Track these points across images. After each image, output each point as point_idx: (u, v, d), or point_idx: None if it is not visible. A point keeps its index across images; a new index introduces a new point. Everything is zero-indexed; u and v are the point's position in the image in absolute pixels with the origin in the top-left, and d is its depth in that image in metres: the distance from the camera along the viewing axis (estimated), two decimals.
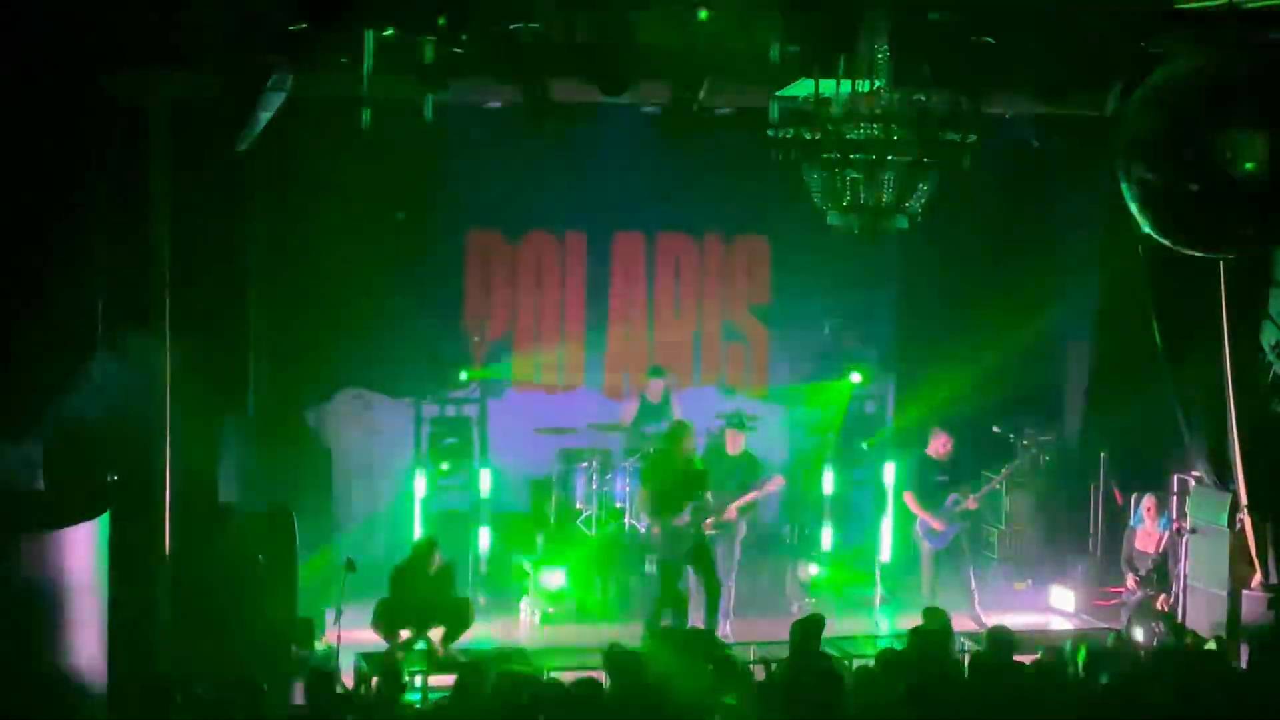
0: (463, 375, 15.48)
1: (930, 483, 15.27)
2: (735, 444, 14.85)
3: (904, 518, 15.57)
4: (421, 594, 13.13)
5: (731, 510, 14.33)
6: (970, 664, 10.50)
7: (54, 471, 11.37)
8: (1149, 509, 14.66)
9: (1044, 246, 15.89)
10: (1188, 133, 8.30)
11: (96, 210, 11.84)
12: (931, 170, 9.08)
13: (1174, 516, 14.61)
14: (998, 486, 16.03)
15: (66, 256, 11.61)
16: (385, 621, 12.94)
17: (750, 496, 14.64)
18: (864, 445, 16.47)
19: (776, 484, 15.11)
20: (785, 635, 11.34)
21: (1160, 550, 14.58)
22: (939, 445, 15.30)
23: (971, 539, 15.67)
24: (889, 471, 16.02)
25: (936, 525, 15.11)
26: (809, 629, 11.16)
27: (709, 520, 13.88)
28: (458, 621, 13.08)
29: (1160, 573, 14.57)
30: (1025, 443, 16.67)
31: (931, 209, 9.42)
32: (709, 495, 13.94)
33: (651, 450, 15.05)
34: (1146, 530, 14.72)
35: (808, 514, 16.50)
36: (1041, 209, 15.84)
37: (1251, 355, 13.60)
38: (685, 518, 13.73)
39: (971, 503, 15.24)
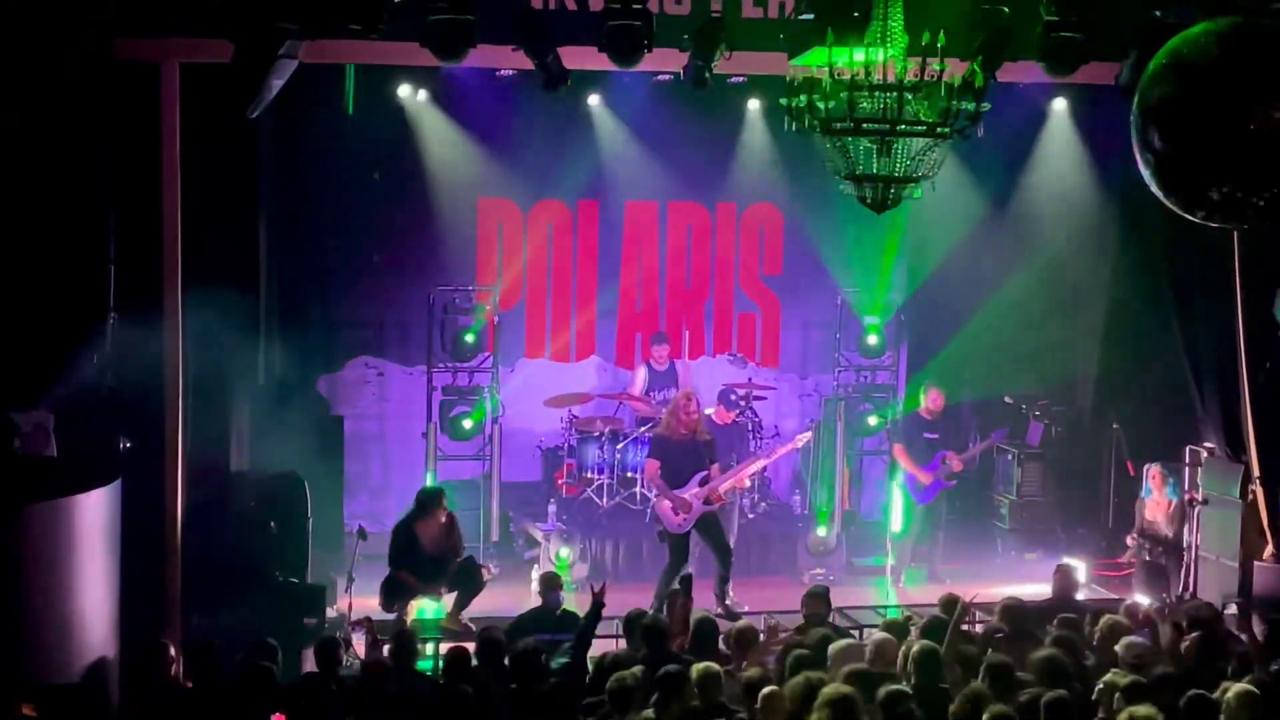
0: (469, 338, 15.44)
1: (920, 439, 15.40)
2: (722, 417, 15.16)
3: (895, 471, 15.72)
4: (428, 550, 13.00)
5: (743, 478, 14.44)
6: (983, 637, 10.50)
7: (67, 438, 11.39)
8: (1154, 477, 14.69)
9: (1056, 216, 15.83)
10: (1203, 101, 8.27)
11: (108, 176, 11.85)
12: (944, 140, 9.03)
13: (1185, 486, 14.62)
14: (984, 451, 16.06)
15: (79, 223, 11.61)
16: (392, 598, 12.87)
17: (777, 454, 14.97)
18: (872, 420, 16.51)
19: (804, 439, 15.20)
20: (798, 604, 11.40)
21: (1170, 519, 14.58)
22: (930, 402, 15.48)
23: (952, 505, 15.75)
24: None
25: (923, 479, 15.25)
26: (816, 600, 11.23)
27: (722, 489, 13.89)
28: (469, 586, 13.06)
29: (1172, 543, 14.58)
30: (1037, 413, 16.69)
31: (944, 177, 9.36)
32: (716, 466, 13.96)
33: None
34: (1155, 500, 14.74)
35: (819, 482, 16.54)
36: (1053, 179, 15.78)
37: (1265, 326, 13.57)
38: (693, 489, 13.73)
39: (957, 463, 15.35)
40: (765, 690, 8.82)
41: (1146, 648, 9.85)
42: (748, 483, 14.89)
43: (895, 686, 8.86)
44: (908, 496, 15.40)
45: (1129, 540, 14.88)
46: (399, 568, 12.86)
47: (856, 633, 11.65)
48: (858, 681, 8.93)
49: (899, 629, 10.52)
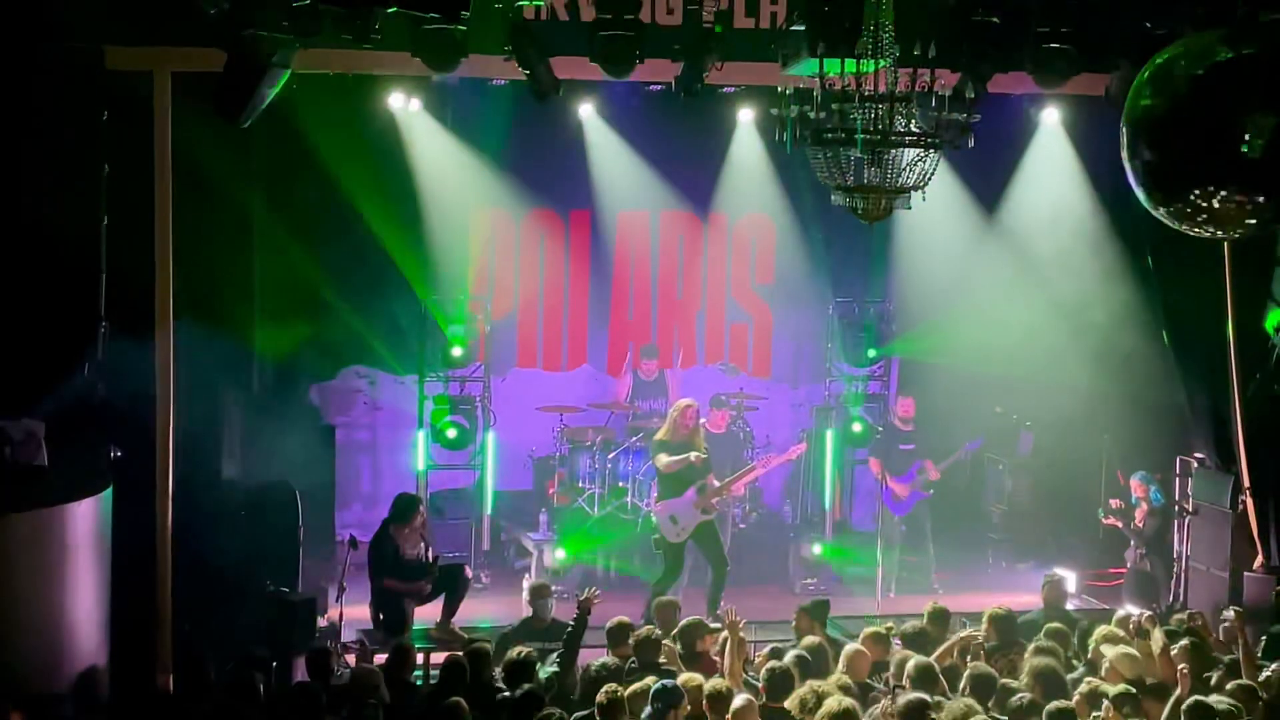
0: (456, 351, 15.41)
1: (895, 450, 15.43)
2: (716, 424, 15.16)
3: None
4: (408, 556, 12.95)
5: (739, 485, 14.50)
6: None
7: (58, 447, 11.39)
8: (1135, 489, 14.76)
9: (1046, 226, 15.84)
10: (1193, 113, 8.28)
11: (101, 185, 11.85)
12: (935, 150, 9.06)
13: (1175, 495, 14.66)
14: (962, 458, 16.07)
15: (71, 232, 11.61)
16: (392, 619, 12.83)
17: (768, 465, 14.95)
18: (856, 426, 16.48)
19: (798, 451, 15.22)
20: (788, 614, 11.42)
21: (1149, 528, 14.63)
22: (902, 411, 15.57)
23: (934, 513, 15.74)
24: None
25: (900, 491, 15.29)
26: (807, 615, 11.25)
27: (714, 499, 13.89)
28: (454, 588, 13.00)
29: (1158, 550, 14.64)
30: (1028, 424, 16.70)
31: (935, 188, 9.39)
32: (711, 476, 13.96)
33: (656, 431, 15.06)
34: (1141, 510, 14.78)
35: (810, 492, 16.57)
36: (1044, 190, 15.81)
37: (1255, 337, 13.59)
38: (690, 497, 13.74)
39: (934, 472, 15.37)
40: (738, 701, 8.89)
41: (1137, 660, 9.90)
42: (741, 491, 14.96)
43: (918, 694, 8.91)
44: (885, 509, 15.41)
45: (1128, 556, 14.93)
46: (382, 576, 12.83)
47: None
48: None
49: (880, 639, 10.59)
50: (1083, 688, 9.37)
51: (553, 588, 12.59)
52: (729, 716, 8.84)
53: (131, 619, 11.55)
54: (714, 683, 9.33)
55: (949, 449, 15.67)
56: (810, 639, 10.58)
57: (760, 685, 9.55)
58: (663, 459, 13.91)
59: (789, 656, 9.98)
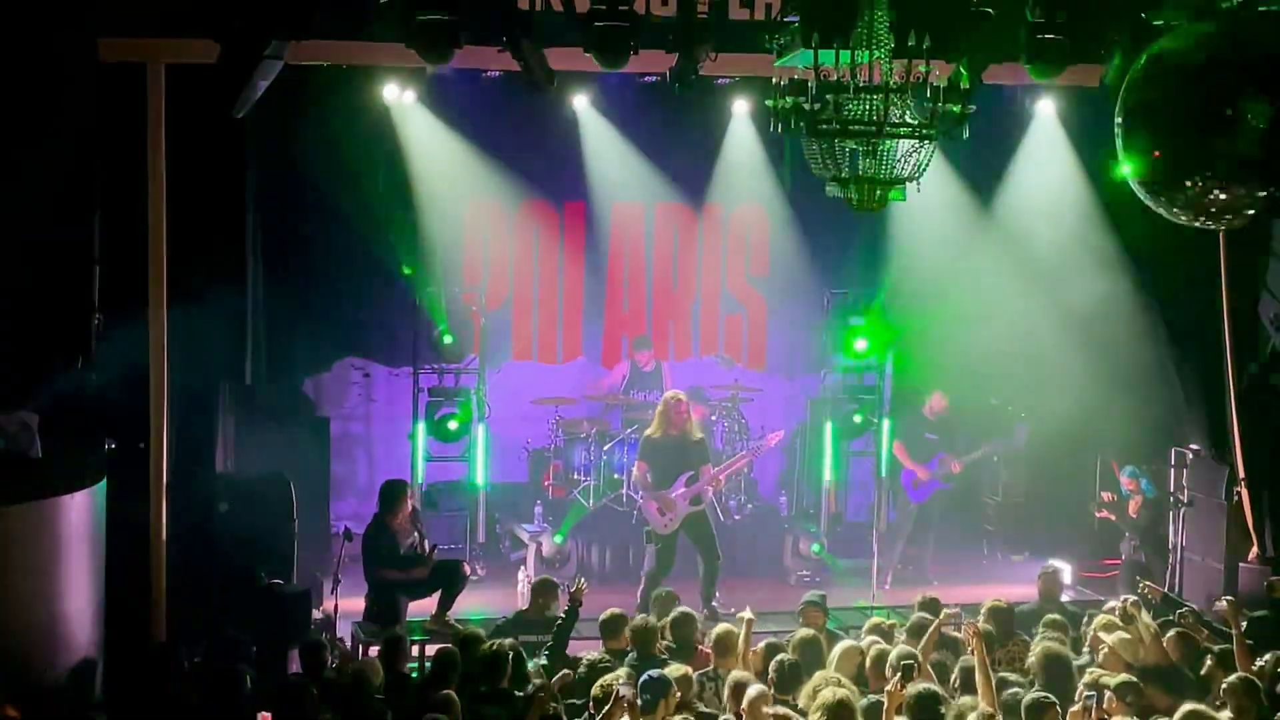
0: (447, 339, 15.37)
1: (919, 438, 15.50)
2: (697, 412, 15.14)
3: (893, 468, 15.85)
4: (402, 545, 12.88)
5: (720, 475, 14.49)
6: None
7: (52, 439, 11.37)
8: (1126, 484, 14.80)
9: (1041, 217, 15.82)
10: (1188, 103, 8.28)
11: (95, 177, 11.84)
12: (930, 141, 9.05)
13: (1170, 487, 14.68)
14: (983, 457, 16.09)
15: (65, 223, 11.60)
16: (388, 611, 12.78)
17: (743, 459, 15.02)
18: (856, 418, 16.42)
19: (774, 439, 15.22)
20: (784, 605, 11.42)
21: (1143, 519, 14.65)
22: (933, 405, 15.64)
23: (944, 508, 15.78)
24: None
25: (921, 474, 15.39)
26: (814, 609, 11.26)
27: (707, 488, 13.88)
28: (451, 583, 12.98)
29: (1152, 542, 14.64)
30: (1023, 415, 16.70)
31: (929, 178, 9.38)
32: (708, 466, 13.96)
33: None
34: (1135, 502, 14.80)
35: (805, 483, 16.56)
36: (1039, 180, 15.79)
37: (1250, 328, 13.60)
38: (680, 489, 13.73)
39: (956, 466, 15.45)
40: (751, 691, 8.88)
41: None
42: (723, 479, 14.93)
43: (929, 687, 8.91)
44: (903, 494, 15.44)
45: (1122, 548, 14.94)
46: (379, 567, 12.78)
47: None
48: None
49: (883, 634, 10.57)
50: (1086, 677, 9.38)
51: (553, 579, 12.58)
52: (744, 706, 8.84)
53: (125, 611, 11.53)
54: (737, 674, 9.36)
55: (950, 441, 15.68)
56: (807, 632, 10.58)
57: (770, 677, 9.55)
58: (639, 469, 14.03)
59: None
